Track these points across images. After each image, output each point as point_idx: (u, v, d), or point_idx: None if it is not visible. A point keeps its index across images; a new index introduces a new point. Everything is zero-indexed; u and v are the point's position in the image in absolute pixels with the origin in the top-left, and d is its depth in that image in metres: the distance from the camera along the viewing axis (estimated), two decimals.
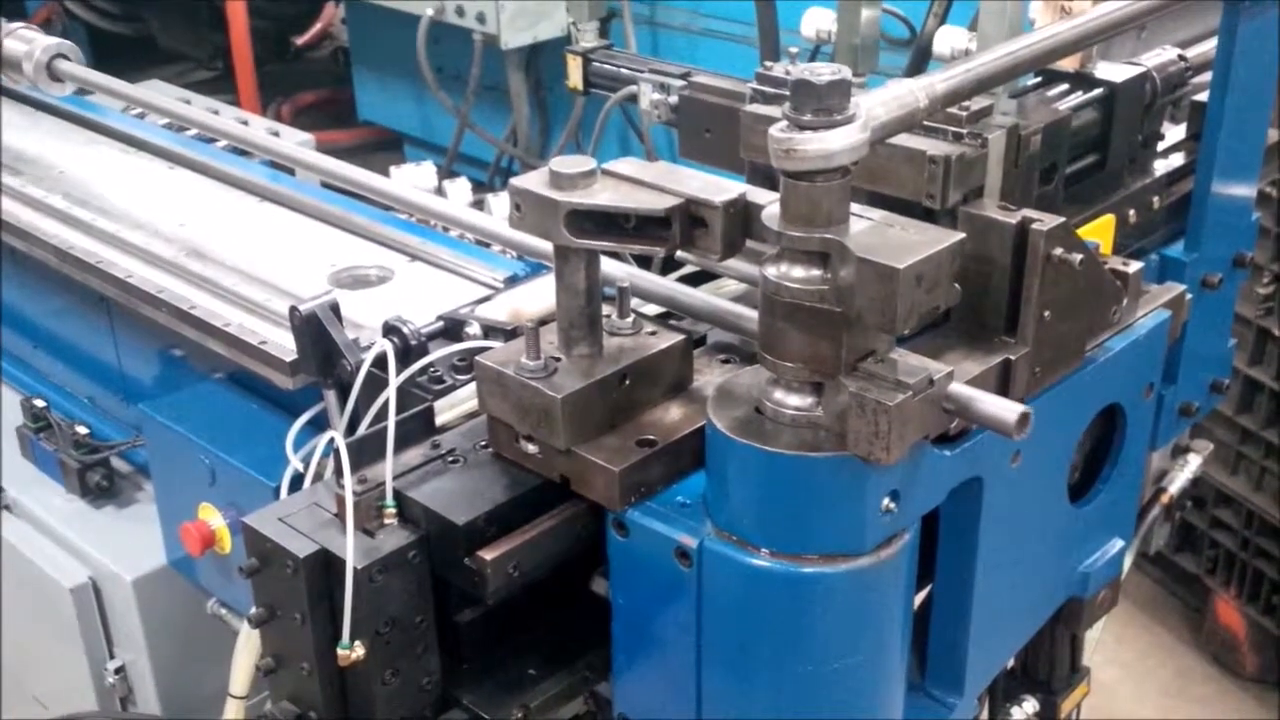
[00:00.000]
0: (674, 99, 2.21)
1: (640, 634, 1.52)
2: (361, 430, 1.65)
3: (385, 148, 7.15)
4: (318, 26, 7.86)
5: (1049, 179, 1.85)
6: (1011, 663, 2.05)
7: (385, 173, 2.65)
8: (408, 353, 1.80)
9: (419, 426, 1.62)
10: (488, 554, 1.47)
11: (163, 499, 2.28)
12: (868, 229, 1.32)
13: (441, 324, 1.92)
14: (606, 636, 1.57)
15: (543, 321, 1.57)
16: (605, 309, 1.58)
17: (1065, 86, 1.97)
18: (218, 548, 2.11)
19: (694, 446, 1.49)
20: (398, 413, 1.58)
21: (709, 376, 1.62)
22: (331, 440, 1.56)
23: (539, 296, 1.90)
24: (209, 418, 2.15)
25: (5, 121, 3.00)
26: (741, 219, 1.45)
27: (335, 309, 1.89)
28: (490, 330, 1.88)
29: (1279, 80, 1.98)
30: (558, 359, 1.52)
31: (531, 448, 1.52)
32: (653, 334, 1.59)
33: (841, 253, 1.28)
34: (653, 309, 1.78)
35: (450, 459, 1.58)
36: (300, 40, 7.90)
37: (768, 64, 1.92)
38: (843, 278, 1.28)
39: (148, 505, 2.45)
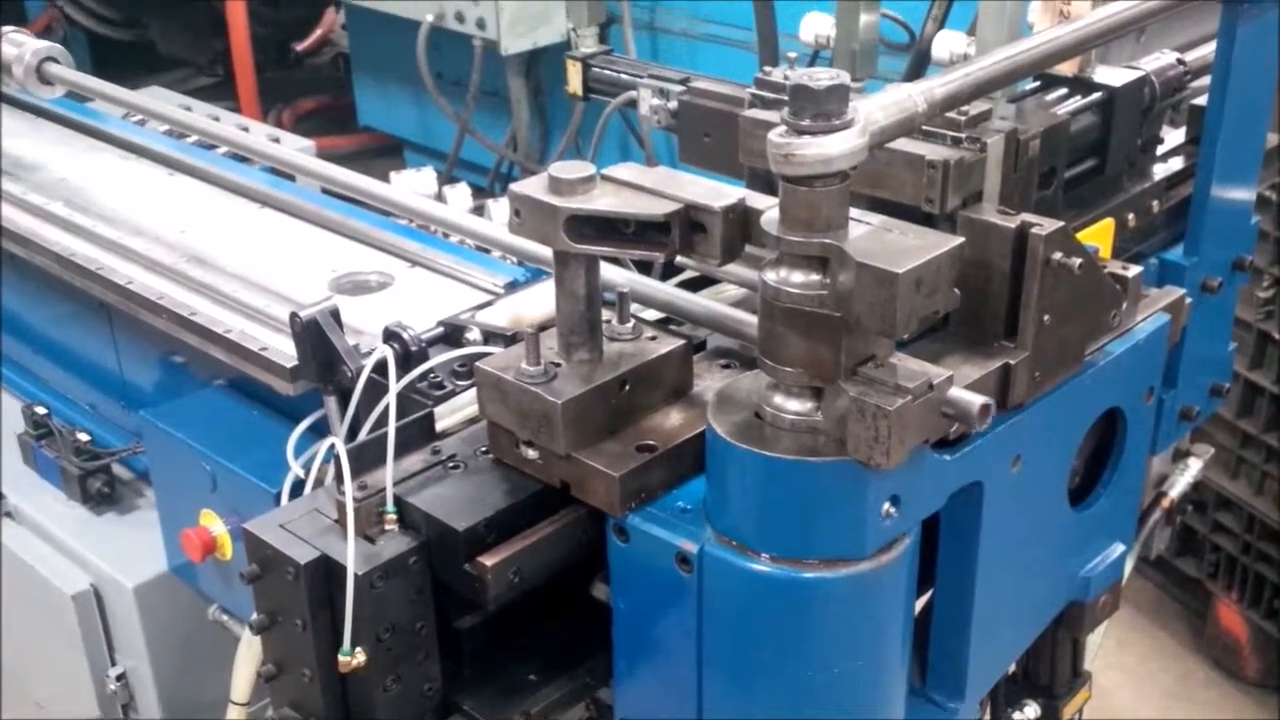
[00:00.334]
0: (673, 104, 2.21)
1: (641, 639, 1.52)
2: (362, 436, 1.65)
3: (386, 153, 7.16)
4: (318, 33, 7.86)
5: (1048, 183, 1.86)
6: (1013, 667, 2.05)
7: (385, 178, 2.65)
8: (408, 358, 1.80)
9: (419, 432, 1.62)
10: (488, 560, 1.47)
11: (164, 505, 2.28)
12: (867, 234, 1.32)
13: (442, 329, 1.92)
14: (607, 642, 1.57)
15: (543, 327, 1.57)
16: (605, 314, 1.58)
17: (1064, 91, 1.97)
18: (219, 554, 2.11)
19: (694, 452, 1.49)
20: (398, 418, 1.58)
21: (709, 382, 1.63)
22: (332, 446, 1.56)
23: (539, 302, 1.90)
24: (210, 424, 2.15)
25: (8, 129, 3.01)
26: (741, 224, 1.45)
27: (336, 315, 1.89)
28: (490, 336, 1.88)
29: (1278, 84, 1.98)
30: (558, 364, 1.52)
31: (532, 453, 1.52)
32: (653, 339, 1.59)
33: (840, 258, 1.28)
34: (653, 314, 1.78)
35: (451, 465, 1.59)
36: (301, 46, 7.90)
37: (766, 69, 1.92)
38: (842, 283, 1.28)
39: (149, 512, 2.45)
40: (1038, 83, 2.03)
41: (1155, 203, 2.07)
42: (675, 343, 1.59)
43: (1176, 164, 2.14)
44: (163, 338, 2.29)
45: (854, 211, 1.33)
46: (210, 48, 7.71)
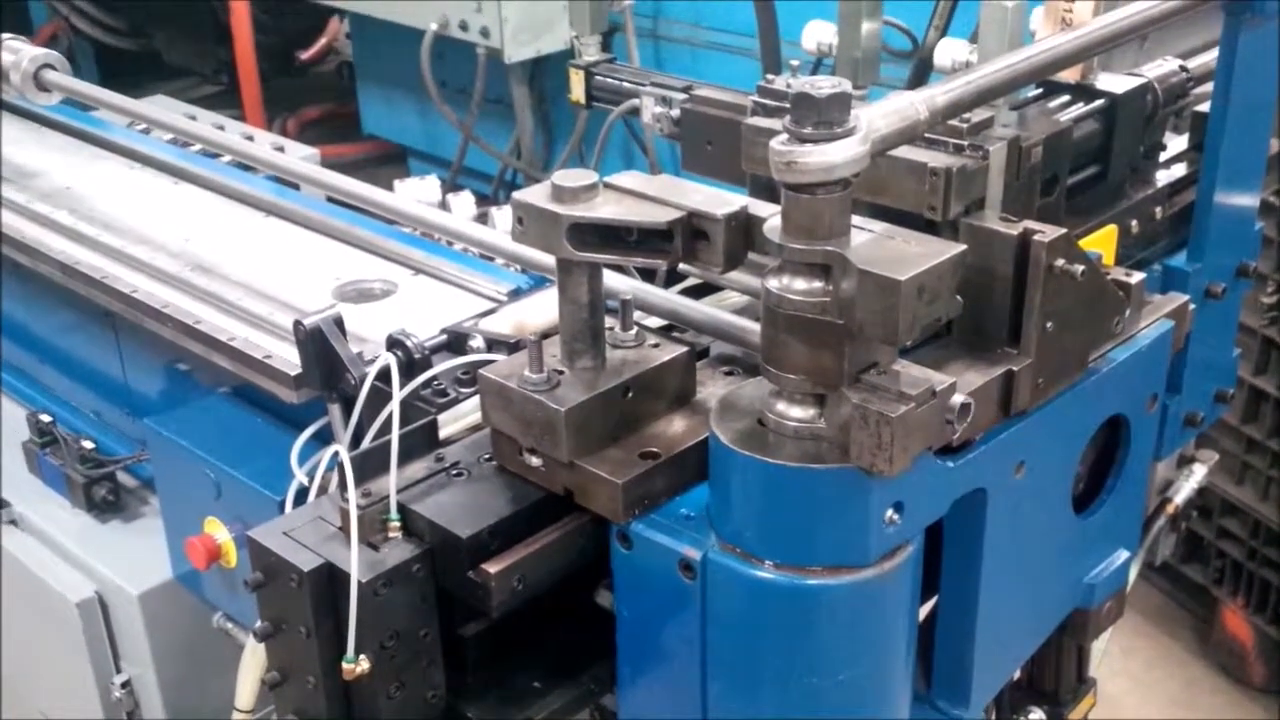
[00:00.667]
0: (676, 112, 2.21)
1: (645, 646, 1.52)
2: (365, 444, 1.65)
3: (390, 161, 7.17)
4: (322, 41, 7.89)
5: (1050, 190, 1.86)
6: (1018, 673, 2.04)
7: (390, 186, 2.66)
8: (411, 366, 1.81)
9: (423, 440, 1.62)
10: (492, 567, 1.47)
11: (168, 513, 2.28)
12: (869, 241, 1.32)
13: (445, 337, 1.93)
14: (611, 649, 1.57)
15: (546, 334, 1.57)
16: (608, 322, 1.58)
17: (1066, 98, 1.97)
18: (223, 562, 2.11)
19: (697, 459, 1.49)
20: (401, 426, 1.58)
21: (712, 389, 1.63)
22: (336, 454, 1.56)
23: (542, 309, 1.91)
24: (214, 432, 2.15)
25: (13, 138, 3.02)
26: (743, 232, 1.46)
27: (339, 323, 1.89)
28: (493, 343, 1.88)
29: None
30: (561, 372, 1.52)
31: (535, 460, 1.53)
32: (655, 346, 1.59)
33: (843, 265, 1.28)
34: (656, 321, 1.78)
35: (454, 472, 1.59)
36: (305, 55, 7.92)
37: (769, 77, 1.92)
38: (844, 290, 1.28)
39: (153, 519, 2.45)
40: (1040, 90, 2.04)
41: (1158, 209, 2.07)
42: (678, 350, 1.59)
43: (1180, 170, 2.14)
44: (167, 346, 2.29)
45: (856, 219, 1.33)
46: (215, 56, 7.73)
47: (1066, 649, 2.07)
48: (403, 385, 1.68)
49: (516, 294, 2.17)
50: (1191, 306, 1.83)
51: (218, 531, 2.10)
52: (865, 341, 1.31)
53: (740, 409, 1.43)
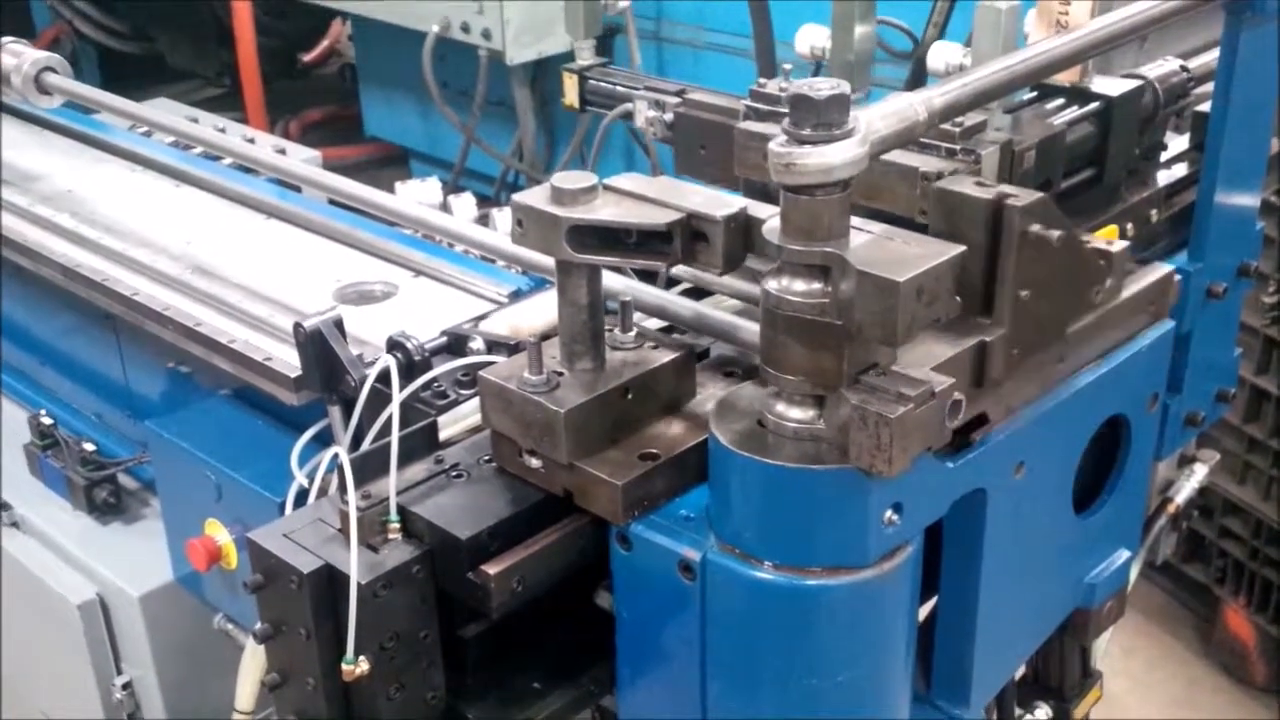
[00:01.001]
0: (669, 116, 2.20)
1: (644, 647, 1.53)
2: (365, 446, 1.65)
3: (392, 163, 7.18)
4: (325, 44, 7.90)
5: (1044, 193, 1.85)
6: (1023, 669, 2.04)
7: (392, 188, 2.66)
8: (411, 368, 1.81)
9: (422, 441, 1.62)
10: (492, 568, 1.47)
11: (169, 515, 2.28)
12: (868, 242, 1.32)
13: (445, 339, 1.93)
14: (611, 650, 1.57)
15: (545, 336, 1.58)
16: (608, 323, 1.58)
17: (1061, 101, 1.97)
18: (224, 563, 2.12)
19: (697, 460, 1.49)
20: (401, 428, 1.58)
21: (711, 390, 1.63)
22: (336, 456, 1.57)
23: (542, 311, 1.91)
24: (215, 434, 2.16)
25: (14, 141, 3.03)
26: (742, 233, 1.46)
27: (339, 325, 1.90)
28: (493, 345, 1.88)
29: None
30: (560, 373, 1.52)
31: (535, 462, 1.53)
32: (655, 348, 1.59)
33: (842, 266, 1.28)
34: (655, 323, 1.78)
35: (454, 474, 1.59)
36: (307, 57, 7.94)
37: (761, 81, 1.92)
38: (843, 291, 1.28)
39: (154, 521, 2.46)
40: (1034, 93, 2.03)
41: (1155, 211, 2.06)
42: (677, 352, 1.59)
43: (1180, 170, 2.14)
44: (168, 348, 2.30)
45: (855, 220, 1.33)
46: (218, 59, 7.75)
47: (1069, 647, 2.07)
48: (403, 387, 1.68)
49: (517, 296, 2.17)
50: (1177, 278, 1.79)
51: (218, 533, 2.11)
52: (864, 342, 1.31)
53: (740, 410, 1.43)
